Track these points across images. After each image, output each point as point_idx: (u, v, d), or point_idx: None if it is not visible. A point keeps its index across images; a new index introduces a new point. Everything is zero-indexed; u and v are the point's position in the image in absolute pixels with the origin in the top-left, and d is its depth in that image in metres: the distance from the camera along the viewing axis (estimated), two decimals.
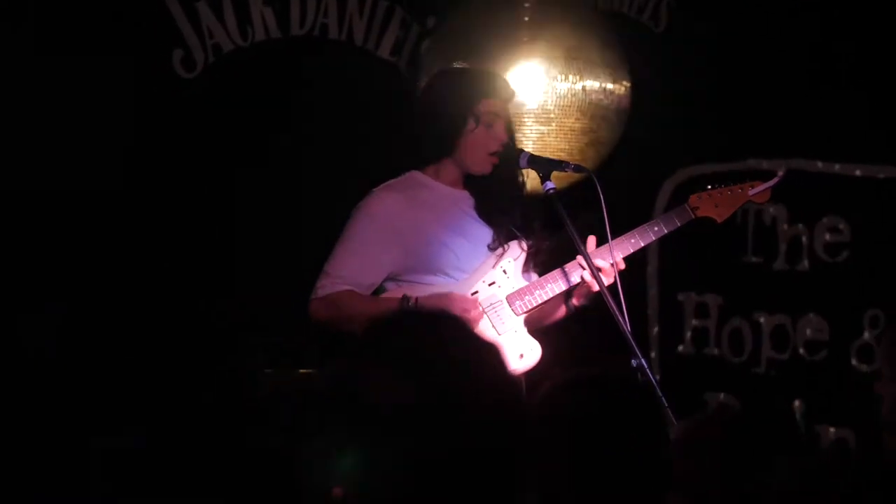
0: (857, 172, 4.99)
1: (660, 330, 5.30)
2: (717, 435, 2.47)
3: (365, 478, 1.67)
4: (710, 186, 4.00)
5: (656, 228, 3.98)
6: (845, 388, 4.95)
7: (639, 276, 5.09)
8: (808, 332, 5.06)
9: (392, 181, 4.01)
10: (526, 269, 4.03)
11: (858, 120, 4.93)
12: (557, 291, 3.94)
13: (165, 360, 4.51)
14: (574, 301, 3.98)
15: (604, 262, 3.85)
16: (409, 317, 1.84)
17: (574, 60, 4.61)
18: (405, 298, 3.84)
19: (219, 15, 4.77)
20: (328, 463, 1.68)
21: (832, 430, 4.95)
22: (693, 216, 4.00)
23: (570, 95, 4.61)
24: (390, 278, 3.96)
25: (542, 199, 3.94)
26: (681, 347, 5.28)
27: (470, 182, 4.00)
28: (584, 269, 3.86)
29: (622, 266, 3.89)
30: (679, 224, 3.99)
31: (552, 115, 4.60)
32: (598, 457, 2.11)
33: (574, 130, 4.63)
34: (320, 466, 1.69)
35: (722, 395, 5.14)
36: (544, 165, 3.97)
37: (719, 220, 4.01)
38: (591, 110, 4.64)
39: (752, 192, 4.04)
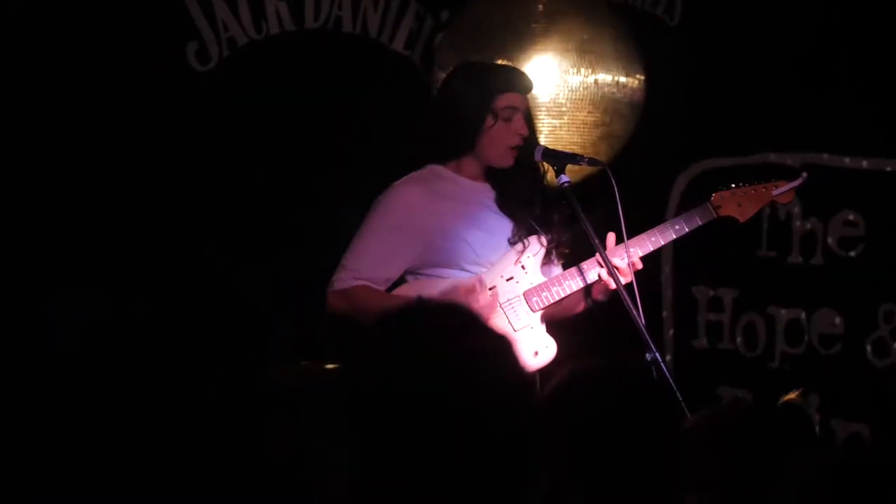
0: (864, 164, 4.98)
1: (674, 324, 5.30)
2: (731, 428, 2.46)
3: (371, 469, 1.67)
4: (733, 185, 3.97)
5: (677, 227, 3.96)
6: (860, 382, 4.94)
7: (653, 271, 5.08)
8: (823, 326, 5.05)
9: (412, 174, 4.01)
10: (547, 262, 4.02)
11: (873, 113, 4.91)
12: (575, 289, 3.93)
13: (186, 353, 4.52)
14: (593, 297, 3.97)
15: (621, 262, 3.84)
16: (418, 309, 1.84)
17: (586, 53, 4.60)
18: (419, 300, 3.83)
19: (233, 8, 4.77)
20: (335, 453, 1.68)
21: (847, 424, 4.94)
22: (715, 215, 3.97)
23: (581, 89, 4.59)
24: (408, 271, 3.96)
25: (558, 192, 3.94)
26: (695, 342, 5.27)
27: (491, 175, 4.00)
28: (601, 266, 3.85)
29: (639, 266, 3.88)
30: (701, 223, 3.96)
31: (564, 109, 4.59)
32: (606, 451, 2.09)
33: (586, 124, 4.62)
34: (330, 457, 1.69)
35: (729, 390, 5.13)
36: (558, 158, 3.96)
37: (742, 220, 3.98)
38: (604, 104, 4.63)
39: (776, 192, 4.01)
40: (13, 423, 4.25)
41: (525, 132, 3.93)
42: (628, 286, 3.82)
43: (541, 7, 4.62)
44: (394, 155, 4.18)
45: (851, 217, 5.02)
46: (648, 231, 3.95)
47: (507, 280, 3.95)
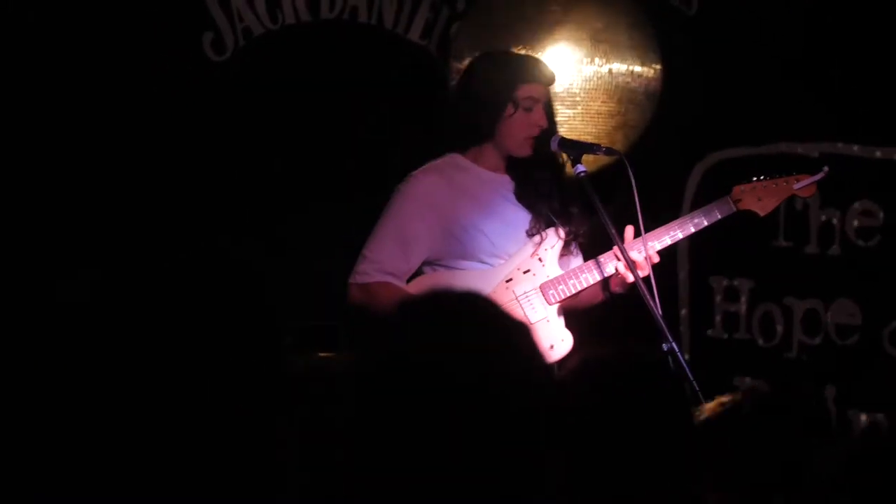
0: (878, 154, 4.95)
1: (690, 314, 5.28)
2: (747, 418, 2.45)
3: (383, 454, 1.66)
4: (754, 178, 3.95)
5: (696, 221, 3.95)
6: (878, 373, 4.91)
7: (669, 261, 5.07)
8: (840, 316, 5.03)
9: (432, 163, 4.01)
10: (565, 253, 4.01)
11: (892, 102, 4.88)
12: (592, 282, 3.92)
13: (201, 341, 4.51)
14: (611, 289, 3.95)
15: (638, 256, 3.83)
16: (436, 295, 1.83)
17: (600, 43, 4.58)
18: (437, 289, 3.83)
19: None
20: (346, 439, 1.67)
21: (864, 415, 4.93)
22: (735, 209, 3.95)
23: (595, 78, 4.58)
24: (426, 263, 3.96)
25: (574, 182, 3.93)
26: (711, 331, 5.26)
27: (511, 167, 3.99)
28: (619, 260, 3.84)
29: (656, 259, 3.87)
30: (720, 216, 3.94)
31: (578, 99, 4.58)
32: (613, 439, 2.08)
33: (601, 114, 4.61)
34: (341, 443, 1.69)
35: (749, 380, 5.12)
36: (575, 148, 3.95)
37: (762, 214, 3.96)
38: (619, 93, 4.61)
39: (797, 186, 3.98)
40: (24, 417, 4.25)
41: (544, 124, 3.93)
42: (645, 278, 3.81)
43: None
44: (410, 145, 4.18)
45: (869, 207, 5.00)
46: (667, 224, 3.94)
47: (524, 272, 3.94)
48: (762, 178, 3.96)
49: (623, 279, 3.86)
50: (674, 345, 3.69)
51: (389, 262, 3.91)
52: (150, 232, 4.54)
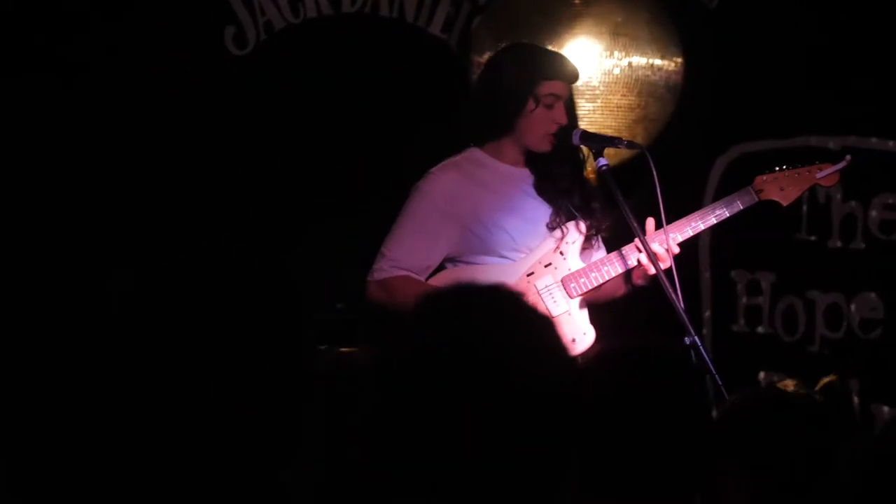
0: (891, 145, 4.93)
1: (712, 308, 5.27)
2: (768, 411, 2.45)
3: (406, 444, 1.66)
4: (777, 168, 3.93)
5: (718, 212, 3.92)
6: None
7: (691, 254, 5.05)
8: (863, 310, 5.02)
9: (451, 159, 4.00)
10: (587, 247, 4.00)
11: None
12: (613, 274, 3.91)
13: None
14: (633, 282, 3.94)
15: (659, 248, 3.82)
16: (458, 288, 1.83)
17: (620, 36, 4.57)
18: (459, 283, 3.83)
19: None
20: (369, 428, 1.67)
21: (887, 409, 4.91)
22: (757, 199, 3.93)
23: (615, 72, 4.57)
24: (447, 259, 3.95)
25: (596, 175, 3.92)
26: (733, 326, 5.25)
27: (531, 161, 3.98)
28: (640, 252, 3.83)
29: (676, 251, 3.86)
30: (742, 207, 3.92)
31: (598, 92, 4.57)
32: (629, 430, 2.06)
33: (620, 107, 4.60)
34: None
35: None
36: (597, 141, 3.94)
37: (784, 204, 3.94)
38: (639, 87, 4.61)
39: (819, 174, 3.95)
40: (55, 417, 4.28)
41: (564, 121, 3.91)
42: (667, 271, 3.80)
43: None
44: (430, 140, 4.17)
45: (892, 200, 4.98)
46: (689, 216, 3.92)
47: (546, 266, 3.93)
48: (784, 167, 3.95)
49: (645, 271, 3.85)
50: (696, 338, 3.67)
51: (408, 260, 3.90)
52: (171, 224, 4.55)
